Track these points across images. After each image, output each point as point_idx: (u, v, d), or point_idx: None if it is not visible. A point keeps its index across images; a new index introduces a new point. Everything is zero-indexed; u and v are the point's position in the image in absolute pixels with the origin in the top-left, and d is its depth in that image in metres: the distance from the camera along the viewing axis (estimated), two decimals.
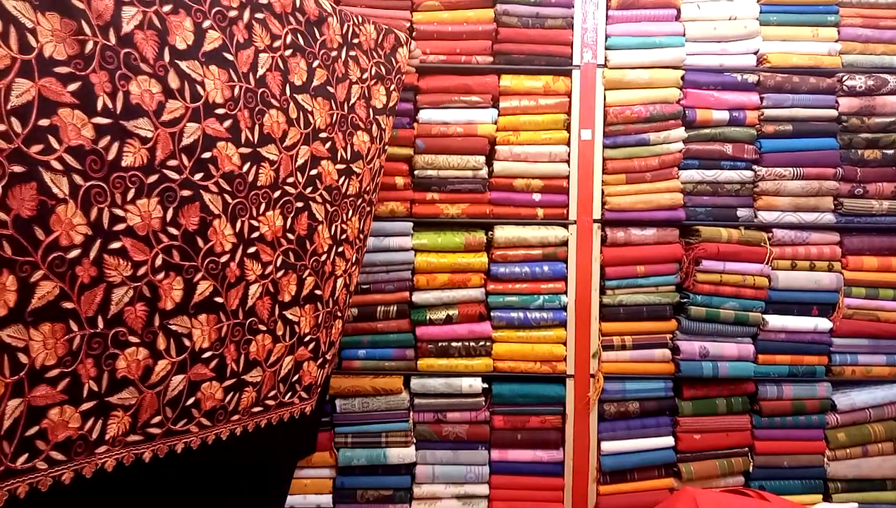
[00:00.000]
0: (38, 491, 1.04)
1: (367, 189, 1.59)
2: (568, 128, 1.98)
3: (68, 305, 1.01)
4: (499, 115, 1.97)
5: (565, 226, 1.98)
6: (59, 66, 0.97)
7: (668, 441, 2.00)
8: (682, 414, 1.99)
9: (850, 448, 2.01)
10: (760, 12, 1.97)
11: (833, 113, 1.96)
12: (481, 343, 1.98)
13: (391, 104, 1.64)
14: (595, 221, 1.98)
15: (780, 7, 1.98)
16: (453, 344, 1.97)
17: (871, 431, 2.00)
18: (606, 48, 1.97)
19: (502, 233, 1.96)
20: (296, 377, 1.48)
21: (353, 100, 1.52)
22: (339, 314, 1.58)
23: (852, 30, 1.98)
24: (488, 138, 1.96)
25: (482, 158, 1.96)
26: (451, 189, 1.96)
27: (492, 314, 1.99)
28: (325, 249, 1.48)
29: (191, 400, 1.24)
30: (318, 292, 1.48)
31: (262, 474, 1.53)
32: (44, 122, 0.95)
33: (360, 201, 1.57)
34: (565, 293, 1.99)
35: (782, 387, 1.99)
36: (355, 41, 1.52)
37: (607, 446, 1.99)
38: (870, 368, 2.01)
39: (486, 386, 1.98)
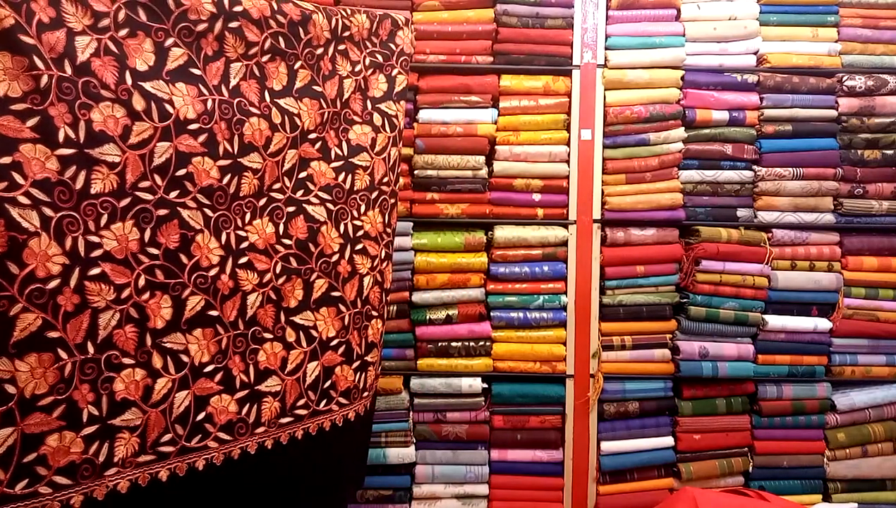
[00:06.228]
0: None
1: (385, 180, 1.56)
2: (568, 128, 1.98)
3: (53, 334, 1.03)
4: (499, 115, 1.97)
5: (565, 226, 1.98)
6: (15, 104, 0.98)
7: (668, 441, 2.00)
8: (682, 414, 1.99)
9: (849, 448, 2.01)
10: (760, 12, 1.97)
11: (833, 113, 1.96)
12: (481, 343, 1.98)
13: (398, 88, 1.60)
14: (595, 221, 1.98)
15: (780, 7, 1.98)
16: (453, 343, 1.97)
17: (870, 431, 2.00)
18: (606, 48, 1.97)
19: (502, 233, 1.96)
20: (327, 383, 1.45)
21: (346, 95, 1.49)
22: (375, 313, 1.56)
23: (852, 30, 1.98)
24: (488, 138, 1.96)
25: (482, 158, 1.96)
26: (450, 189, 1.96)
27: (491, 314, 1.99)
28: (336, 249, 1.46)
29: (201, 415, 1.23)
30: (335, 294, 1.45)
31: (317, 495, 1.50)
32: (6, 160, 0.96)
33: (375, 194, 1.54)
34: (565, 293, 1.99)
35: (782, 387, 1.99)
36: (345, 34, 1.49)
37: (607, 446, 1.99)
38: (869, 368, 2.01)
39: (485, 385, 1.98)
